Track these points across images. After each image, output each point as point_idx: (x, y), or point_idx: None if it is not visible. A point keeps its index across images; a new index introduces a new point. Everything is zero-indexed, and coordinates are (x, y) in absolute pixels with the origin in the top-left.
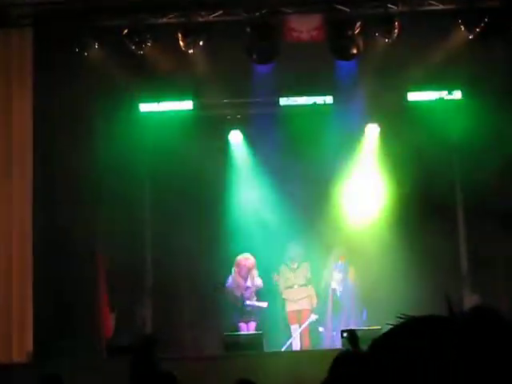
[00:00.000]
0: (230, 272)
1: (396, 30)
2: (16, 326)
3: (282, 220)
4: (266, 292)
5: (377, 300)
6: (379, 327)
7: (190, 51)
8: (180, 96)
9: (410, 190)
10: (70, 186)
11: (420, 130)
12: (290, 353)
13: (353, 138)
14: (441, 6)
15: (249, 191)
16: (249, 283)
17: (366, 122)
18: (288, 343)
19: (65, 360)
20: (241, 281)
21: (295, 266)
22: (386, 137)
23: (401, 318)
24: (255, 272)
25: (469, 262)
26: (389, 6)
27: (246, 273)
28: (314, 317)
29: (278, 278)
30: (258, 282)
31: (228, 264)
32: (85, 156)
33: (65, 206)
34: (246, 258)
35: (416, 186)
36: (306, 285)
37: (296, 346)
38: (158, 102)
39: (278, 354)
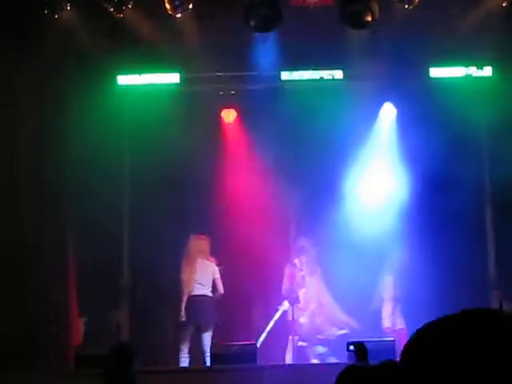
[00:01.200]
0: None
1: None
2: None
3: (284, 212)
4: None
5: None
6: (392, 339)
7: (178, 16)
8: (165, 67)
9: (431, 183)
10: (35, 173)
11: (444, 112)
12: (288, 367)
13: (365, 119)
14: None
15: (243, 179)
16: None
17: (381, 102)
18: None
19: (27, 372)
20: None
21: (306, 269)
22: (404, 119)
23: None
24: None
25: (497, 266)
26: None
27: (192, 260)
28: (286, 305)
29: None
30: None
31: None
32: (53, 138)
33: (30, 195)
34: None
35: (438, 177)
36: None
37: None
38: (140, 73)
39: (274, 367)
